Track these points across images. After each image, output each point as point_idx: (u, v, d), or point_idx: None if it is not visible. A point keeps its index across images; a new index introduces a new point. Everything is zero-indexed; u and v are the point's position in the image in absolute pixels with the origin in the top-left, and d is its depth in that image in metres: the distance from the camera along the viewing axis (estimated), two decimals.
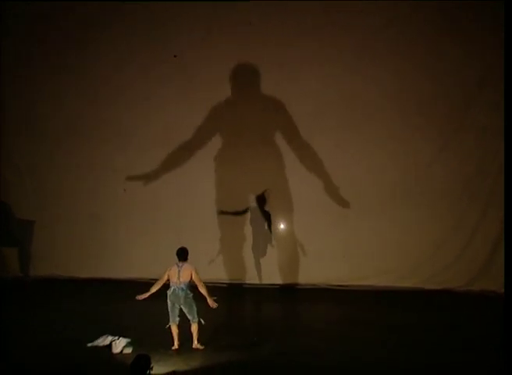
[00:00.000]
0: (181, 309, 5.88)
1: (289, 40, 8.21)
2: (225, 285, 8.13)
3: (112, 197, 8.50)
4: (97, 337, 5.29)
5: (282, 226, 8.33)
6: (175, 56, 8.33)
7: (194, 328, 5.89)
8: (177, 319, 5.85)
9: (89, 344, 5.23)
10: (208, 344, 5.31)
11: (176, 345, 5.79)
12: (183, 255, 6.05)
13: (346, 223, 8.17)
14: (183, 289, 5.88)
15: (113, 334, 5.28)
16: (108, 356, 4.98)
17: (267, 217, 8.18)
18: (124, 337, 5.22)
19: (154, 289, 5.86)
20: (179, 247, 6.14)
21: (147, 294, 5.79)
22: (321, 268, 8.14)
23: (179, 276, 5.90)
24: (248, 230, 8.17)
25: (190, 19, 8.34)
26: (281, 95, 8.32)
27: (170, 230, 8.35)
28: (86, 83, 8.52)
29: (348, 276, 8.11)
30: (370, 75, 8.07)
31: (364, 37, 8.05)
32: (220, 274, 8.18)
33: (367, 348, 5.37)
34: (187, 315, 5.91)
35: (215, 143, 8.38)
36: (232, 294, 7.77)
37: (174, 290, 5.90)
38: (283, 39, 8.20)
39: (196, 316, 5.89)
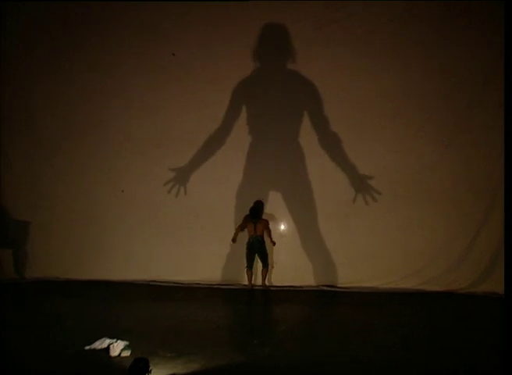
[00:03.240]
0: (256, 256, 7.87)
1: (290, 39, 8.16)
2: (227, 287, 8.16)
3: (109, 198, 8.48)
4: (94, 340, 5.26)
5: (282, 226, 8.36)
6: (173, 54, 8.30)
7: (264, 271, 7.93)
8: (252, 264, 7.87)
9: (86, 347, 5.21)
10: (208, 347, 5.31)
11: (250, 285, 7.90)
12: (257, 215, 7.80)
13: (347, 224, 8.16)
14: (259, 240, 7.78)
15: (111, 337, 5.24)
16: (105, 359, 4.96)
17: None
18: (122, 339, 5.19)
19: (235, 236, 7.79)
20: (252, 205, 7.81)
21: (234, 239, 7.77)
22: (322, 269, 8.18)
23: (255, 229, 7.75)
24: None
25: (188, 18, 8.29)
26: (282, 94, 8.31)
27: (169, 232, 8.36)
28: (82, 82, 8.46)
29: (349, 278, 8.11)
30: (373, 74, 8.04)
31: (367, 36, 8.02)
32: (223, 276, 8.25)
33: (367, 349, 5.36)
34: (260, 261, 7.92)
35: (215, 143, 8.36)
36: (234, 296, 7.78)
37: (252, 241, 7.80)
38: (284, 39, 8.16)
39: (267, 262, 7.91)
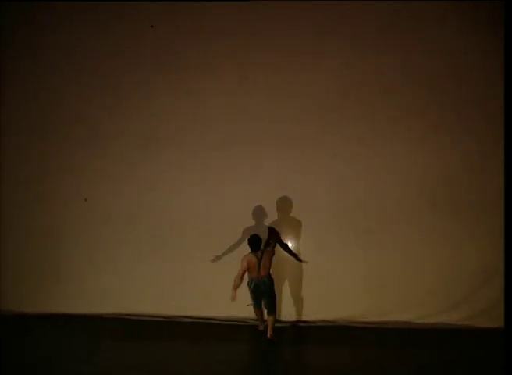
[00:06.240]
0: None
1: (288, 36, 7.91)
2: (220, 322, 7.67)
3: (70, 209, 7.99)
4: None
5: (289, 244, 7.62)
6: (152, 26, 8.01)
7: (271, 319, 6.88)
8: (260, 305, 6.97)
9: None
10: None
11: (261, 327, 7.18)
12: (257, 245, 6.74)
13: (369, 242, 7.55)
14: (264, 283, 6.79)
15: None
16: None
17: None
18: None
19: (237, 283, 6.66)
20: (251, 235, 6.90)
21: (235, 293, 6.60)
22: (338, 300, 7.51)
23: (259, 269, 6.75)
24: None
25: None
26: (283, 91, 7.89)
27: (148, 253, 7.83)
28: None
29: (372, 311, 7.46)
30: (394, 74, 7.66)
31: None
32: (215, 308, 7.63)
33: None
34: (264, 305, 6.96)
35: (205, 144, 7.90)
36: (227, 332, 7.33)
37: (256, 285, 6.80)
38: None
39: (273, 309, 6.88)
